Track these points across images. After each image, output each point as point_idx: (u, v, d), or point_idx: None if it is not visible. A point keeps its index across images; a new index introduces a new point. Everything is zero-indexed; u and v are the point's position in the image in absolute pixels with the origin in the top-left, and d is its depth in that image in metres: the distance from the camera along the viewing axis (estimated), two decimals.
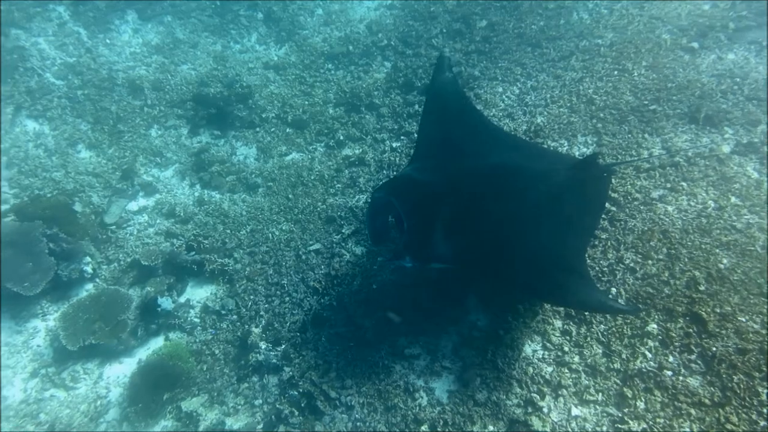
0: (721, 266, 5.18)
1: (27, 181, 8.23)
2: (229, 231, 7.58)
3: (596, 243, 5.71)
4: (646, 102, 6.85)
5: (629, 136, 6.54)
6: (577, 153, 6.57)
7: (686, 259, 5.30)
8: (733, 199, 5.67)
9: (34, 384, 6.71)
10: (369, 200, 5.12)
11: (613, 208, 5.93)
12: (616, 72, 7.37)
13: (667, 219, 5.64)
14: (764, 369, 4.56)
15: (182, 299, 7.15)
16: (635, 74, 7.24)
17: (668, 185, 5.94)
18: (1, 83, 8.95)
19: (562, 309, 5.46)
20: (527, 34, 8.79)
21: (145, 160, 8.50)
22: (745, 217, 5.50)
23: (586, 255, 5.53)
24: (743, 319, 4.83)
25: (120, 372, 6.71)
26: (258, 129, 8.82)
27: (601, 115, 6.88)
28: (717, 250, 5.30)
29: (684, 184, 5.91)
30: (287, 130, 8.74)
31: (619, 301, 5.27)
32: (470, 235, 4.55)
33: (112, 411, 6.43)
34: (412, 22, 9.77)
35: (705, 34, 7.68)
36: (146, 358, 6.70)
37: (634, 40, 7.82)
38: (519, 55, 8.49)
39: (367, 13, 10.26)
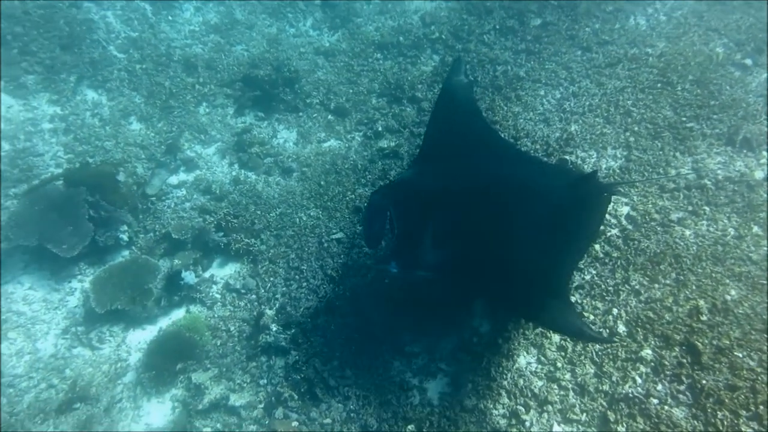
0: (728, 297, 4.98)
1: (80, 147, 8.70)
2: (259, 212, 7.79)
3: (606, 261, 5.59)
4: (684, 119, 6.58)
5: (660, 153, 6.31)
6: (604, 165, 6.41)
7: (694, 287, 5.12)
8: (755, 229, 5.41)
9: (64, 341, 7.16)
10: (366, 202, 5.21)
11: (630, 227, 5.77)
12: (659, 84, 7.09)
13: (682, 243, 5.45)
14: (752, 408, 4.39)
15: (207, 274, 7.44)
16: (679, 88, 6.95)
17: (690, 208, 5.72)
18: None
19: None
20: (579, 36, 8.55)
21: (190, 136, 8.83)
22: (764, 249, 5.24)
23: (573, 276, 5.53)
24: (740, 355, 4.66)
25: (142, 338, 7.07)
26: (301, 114, 8.98)
27: (636, 128, 6.66)
28: (727, 281, 5.09)
29: (707, 208, 5.68)
30: (329, 117, 8.87)
31: (618, 323, 5.16)
32: (460, 247, 4.55)
33: (130, 374, 6.80)
34: (467, 16, 9.66)
35: (762, 50, 7.27)
36: (166, 327, 7.04)
37: (685, 52, 7.48)
38: (567, 58, 8.28)
39: (423, 5, 10.20)
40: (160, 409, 6.51)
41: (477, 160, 5.12)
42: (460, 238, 4.57)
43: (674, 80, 7.06)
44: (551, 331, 5.36)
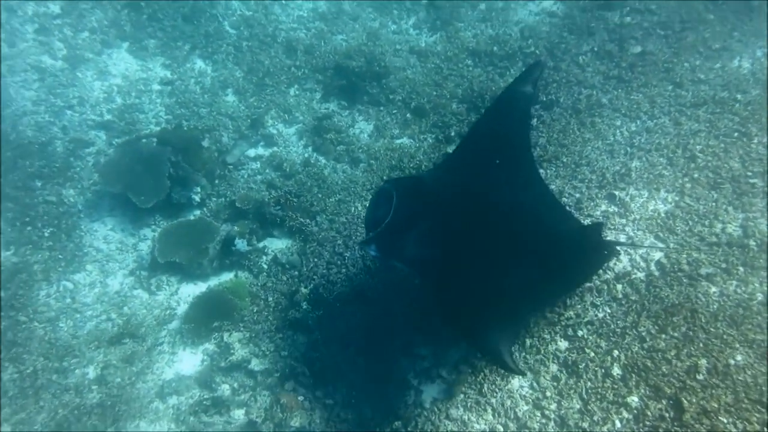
0: (732, 362, 4.77)
1: (179, 111, 9.53)
2: (320, 195, 8.21)
3: (623, 302, 5.49)
4: (749, 173, 6.22)
5: (713, 204, 6.03)
6: (650, 208, 6.22)
7: (700, 344, 4.94)
8: None
9: (129, 281, 7.96)
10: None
11: (657, 273, 5.61)
12: (736, 134, 6.70)
13: (703, 299, 5.23)
14: None
15: (260, 245, 7.96)
16: (755, 141, 6.54)
17: (724, 265, 5.46)
18: None
19: (561, 355, 5.38)
20: (675, 70, 8.20)
21: (275, 114, 9.39)
22: None
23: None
24: (724, 420, 4.47)
25: (192, 292, 7.73)
26: (382, 108, 9.28)
27: (696, 175, 6.38)
28: (737, 345, 4.86)
29: (741, 268, 5.40)
30: (407, 115, 9.10)
31: (614, 365, 5.09)
32: (441, 253, 4.68)
33: (175, 322, 7.46)
34: (567, 35, 9.51)
35: None
36: (213, 286, 7.64)
37: None
38: (656, 91, 7.98)
39: (526, 17, 10.14)
40: (191, 359, 7.13)
41: (497, 180, 5.16)
42: (445, 246, 4.70)
43: (753, 132, 6.65)
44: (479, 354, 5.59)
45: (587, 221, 6.28)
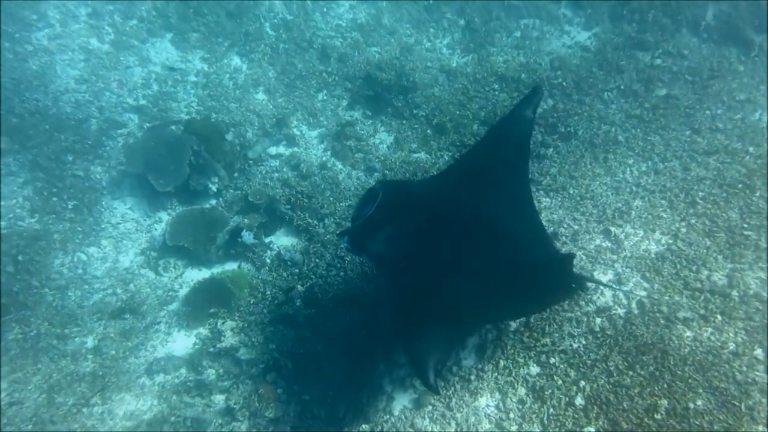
0: (692, 406, 4.78)
1: (210, 103, 9.86)
2: (332, 199, 8.40)
3: (599, 335, 5.53)
4: (745, 225, 6.20)
5: (704, 251, 6.03)
6: (642, 248, 6.25)
7: (665, 385, 4.96)
8: (757, 352, 5.07)
9: (139, 260, 8.27)
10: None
11: (636, 311, 5.64)
12: (740, 185, 6.68)
13: (676, 342, 5.25)
14: None
15: (267, 240, 8.18)
16: (757, 194, 6.51)
17: (702, 311, 5.46)
18: None
19: (531, 380, 5.44)
20: (696, 116, 8.19)
21: (301, 116, 9.66)
22: (756, 373, 4.92)
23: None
24: None
25: (195, 277, 8.00)
26: (404, 122, 9.45)
27: (693, 221, 6.38)
28: (700, 390, 4.87)
29: (719, 317, 5.40)
30: (428, 131, 9.24)
31: (579, 395, 5.14)
32: (408, 257, 4.81)
33: (175, 304, 7.72)
34: (596, 70, 9.55)
35: None
36: (216, 274, 7.89)
37: None
38: (673, 135, 7.98)
39: (559, 49, 10.22)
40: (184, 341, 7.38)
41: (485, 197, 5.23)
42: (413, 251, 4.82)
43: (756, 185, 6.62)
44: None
45: (579, 253, 6.35)
